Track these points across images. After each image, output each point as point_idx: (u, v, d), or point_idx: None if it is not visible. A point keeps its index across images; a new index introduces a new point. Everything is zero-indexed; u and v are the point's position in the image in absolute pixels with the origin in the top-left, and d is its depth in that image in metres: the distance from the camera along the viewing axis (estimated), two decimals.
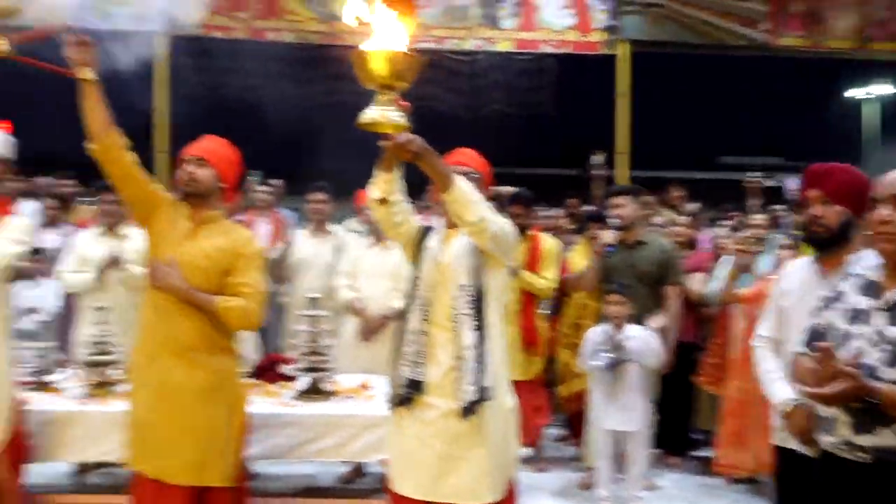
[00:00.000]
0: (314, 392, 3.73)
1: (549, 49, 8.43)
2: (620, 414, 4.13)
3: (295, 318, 4.44)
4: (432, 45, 8.43)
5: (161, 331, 2.87)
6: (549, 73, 8.69)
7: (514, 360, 4.66)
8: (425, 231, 2.72)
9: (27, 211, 6.19)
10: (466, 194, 2.43)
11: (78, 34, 2.74)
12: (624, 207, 4.54)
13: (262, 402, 3.65)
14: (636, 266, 4.50)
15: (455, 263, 2.59)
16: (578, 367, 4.38)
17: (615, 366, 4.03)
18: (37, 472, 3.49)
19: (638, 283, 4.41)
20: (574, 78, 9.00)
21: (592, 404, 4.29)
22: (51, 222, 5.82)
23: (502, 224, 2.57)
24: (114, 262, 4.37)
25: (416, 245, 2.69)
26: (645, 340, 4.14)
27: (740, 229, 5.15)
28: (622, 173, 8.61)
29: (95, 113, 2.82)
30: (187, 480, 2.84)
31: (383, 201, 2.57)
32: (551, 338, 4.96)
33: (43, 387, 3.72)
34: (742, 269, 4.43)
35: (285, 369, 3.91)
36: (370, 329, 4.40)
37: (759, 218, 5.05)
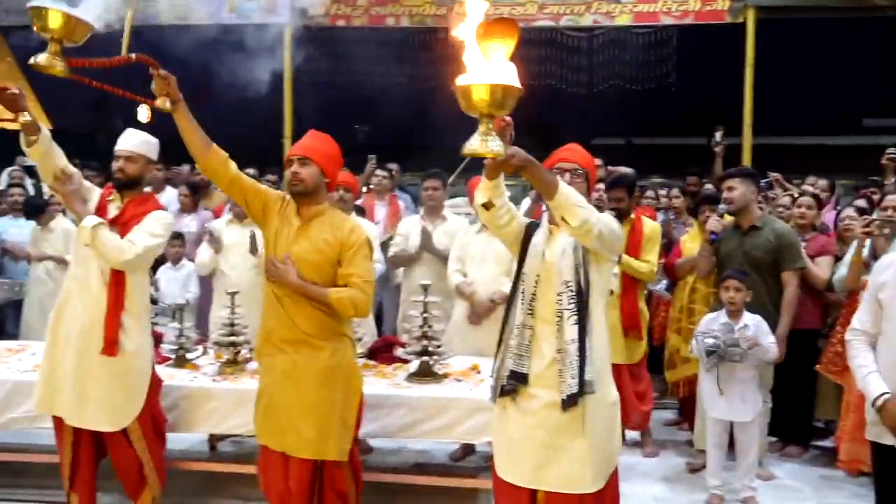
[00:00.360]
0: (425, 374, 3.90)
1: (670, 20, 8.17)
2: (731, 403, 4.04)
3: (408, 303, 4.61)
4: (549, 23, 8.38)
5: (282, 320, 3.09)
6: (669, 45, 8.44)
7: (616, 344, 4.68)
8: (531, 227, 2.79)
9: (167, 199, 6.75)
10: (570, 199, 2.49)
11: (159, 68, 2.93)
12: (734, 191, 4.38)
13: (376, 382, 3.86)
14: (749, 253, 4.36)
15: (559, 260, 2.64)
16: (688, 353, 4.32)
17: (726, 355, 3.93)
18: (175, 442, 3.84)
19: (752, 270, 4.26)
20: (697, 49, 8.69)
21: (702, 392, 4.23)
22: (186, 209, 6.30)
23: (607, 222, 2.61)
24: (252, 248, 4.66)
25: (522, 241, 2.77)
26: (759, 330, 4.01)
27: (870, 210, 4.85)
28: (748, 144, 8.27)
29: (190, 136, 3.09)
30: (308, 454, 3.07)
31: (488, 206, 2.67)
32: (659, 322, 4.90)
33: (182, 364, 4.09)
34: (873, 255, 4.19)
35: (399, 352, 4.10)
36: (479, 313, 4.51)
37: (893, 199, 4.72)
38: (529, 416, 2.66)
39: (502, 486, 2.77)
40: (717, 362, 3.96)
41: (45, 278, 5.88)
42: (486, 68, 2.15)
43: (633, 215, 4.74)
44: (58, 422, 3.54)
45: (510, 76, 2.17)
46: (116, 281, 3.38)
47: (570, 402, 2.57)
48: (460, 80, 2.17)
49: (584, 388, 2.56)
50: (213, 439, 4.66)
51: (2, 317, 6.21)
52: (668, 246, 5.36)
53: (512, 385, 2.67)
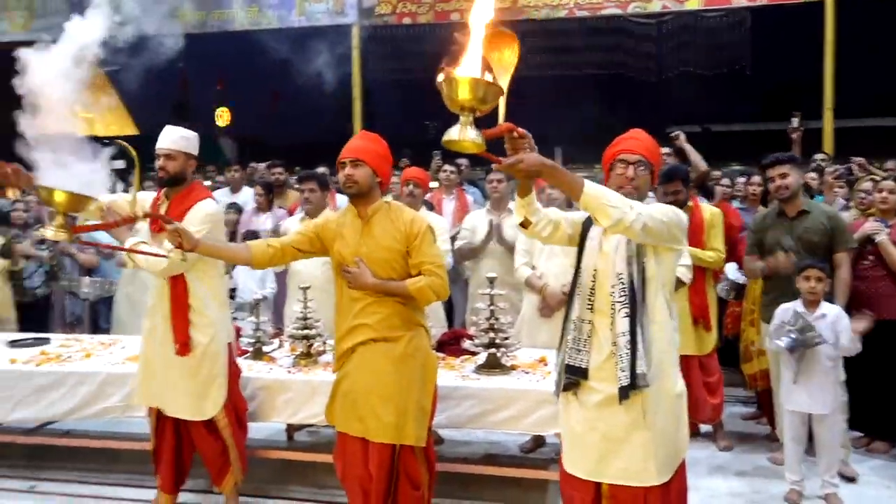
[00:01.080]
0: (493, 366, 3.94)
1: (743, 2, 7.94)
2: (809, 396, 3.92)
3: (476, 296, 4.65)
4: (616, 11, 8.27)
5: (359, 318, 3.17)
6: (743, 28, 8.19)
7: (685, 335, 4.60)
8: (589, 220, 2.74)
9: (244, 198, 6.99)
10: (598, 200, 2.39)
11: (171, 223, 3.05)
12: (788, 177, 4.25)
13: (445, 374, 3.91)
14: (803, 237, 4.22)
15: (613, 253, 2.61)
16: (762, 345, 4.21)
17: (801, 348, 3.82)
18: (254, 431, 4.00)
19: (806, 255, 4.13)
20: (772, 30, 8.41)
21: (779, 384, 4.12)
22: (261, 208, 6.50)
23: (654, 213, 2.50)
24: None
25: (581, 235, 2.74)
26: (838, 321, 3.87)
27: None
28: (829, 128, 7.97)
29: (227, 257, 3.41)
30: (388, 439, 3.15)
31: (525, 224, 2.67)
32: (732, 313, 4.79)
33: (259, 356, 4.25)
34: None
35: (466, 344, 4.15)
36: (549, 305, 4.50)
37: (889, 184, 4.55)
38: (590, 410, 2.65)
39: (568, 478, 2.78)
40: (800, 355, 3.84)
41: (134, 275, 6.17)
42: (469, 64, 2.16)
43: (690, 204, 4.65)
44: (151, 411, 3.77)
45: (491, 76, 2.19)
46: (173, 285, 3.54)
47: (622, 395, 2.55)
48: (442, 76, 2.18)
49: (635, 381, 2.53)
50: (291, 429, 4.82)
51: (95, 313, 6.56)
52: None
53: (570, 380, 2.67)
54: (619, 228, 2.44)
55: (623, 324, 2.55)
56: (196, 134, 3.67)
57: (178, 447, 3.79)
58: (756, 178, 6.03)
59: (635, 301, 2.56)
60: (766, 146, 7.96)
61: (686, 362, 4.64)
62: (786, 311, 4.01)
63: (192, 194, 3.61)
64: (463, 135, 2.18)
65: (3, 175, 3.19)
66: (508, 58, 2.37)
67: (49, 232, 2.94)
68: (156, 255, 3.26)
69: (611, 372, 2.58)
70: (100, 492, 4.23)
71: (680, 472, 2.73)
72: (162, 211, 3.55)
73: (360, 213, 3.22)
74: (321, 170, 6.15)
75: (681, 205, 4.59)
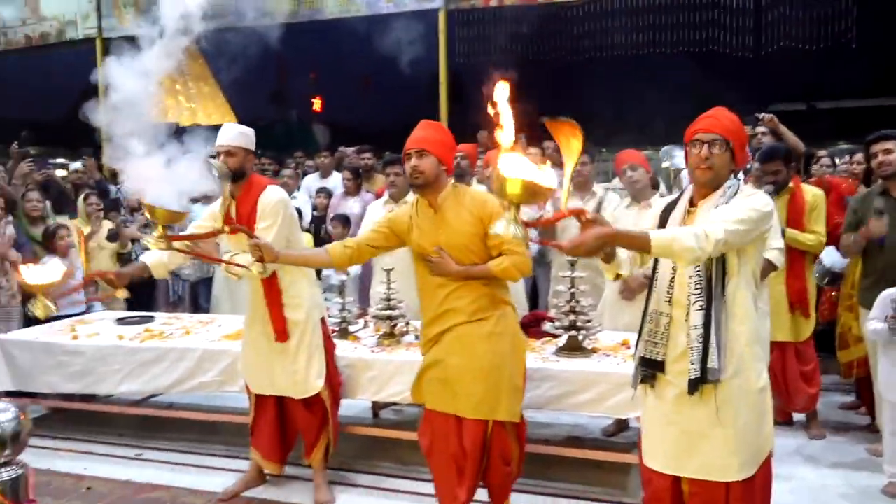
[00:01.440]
0: (573, 349, 3.92)
1: None
2: None
3: (558, 278, 4.64)
4: None
5: (446, 304, 3.22)
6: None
7: (781, 321, 4.45)
8: (668, 209, 2.69)
9: (334, 182, 7.18)
10: (668, 248, 2.33)
11: (253, 237, 3.21)
12: (891, 153, 4.01)
13: (527, 356, 3.94)
14: None
15: None
16: (860, 332, 4.02)
17: None
18: (342, 408, 4.14)
19: None
20: (880, 1, 7.90)
21: (878, 373, 3.92)
22: (349, 192, 6.67)
23: (731, 226, 2.38)
24: None
25: (659, 227, 2.66)
26: None
27: None
28: None
29: (310, 263, 3.62)
30: (482, 415, 3.19)
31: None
32: (828, 298, 4.58)
33: (345, 335, 4.39)
34: None
35: (547, 326, 4.15)
36: (630, 288, 4.44)
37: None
38: (667, 404, 2.60)
39: (648, 472, 2.75)
40: None
41: None
42: (522, 163, 2.20)
43: (791, 185, 4.47)
44: (248, 388, 3.99)
45: (544, 175, 2.22)
46: (267, 284, 3.67)
47: (691, 388, 2.50)
48: (500, 170, 2.24)
49: (706, 374, 2.46)
50: (376, 407, 4.96)
51: (195, 293, 6.93)
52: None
53: (647, 372, 2.63)
54: (700, 259, 2.37)
55: (697, 317, 2.48)
56: (253, 130, 3.79)
57: (280, 421, 3.97)
58: (858, 156, 5.73)
59: (711, 294, 2.48)
60: (876, 123, 7.52)
61: (782, 349, 4.52)
62: (886, 296, 3.81)
63: (253, 187, 3.70)
64: (506, 231, 2.26)
65: (109, 282, 3.60)
66: (575, 146, 2.43)
67: (151, 241, 3.29)
68: (243, 266, 3.44)
69: (687, 366, 2.52)
70: (199, 461, 4.49)
71: (765, 466, 2.65)
72: (232, 211, 3.68)
73: (430, 203, 3.26)
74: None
75: (782, 185, 4.44)
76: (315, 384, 3.80)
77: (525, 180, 2.19)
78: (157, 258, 3.73)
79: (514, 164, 2.20)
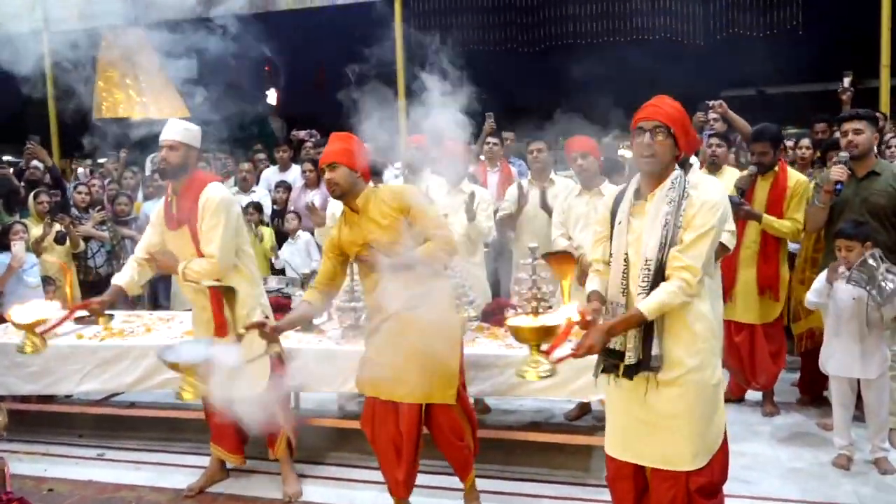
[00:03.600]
0: None
1: None
2: (854, 359, 3.87)
3: (518, 266, 4.70)
4: None
5: (383, 297, 3.27)
6: None
7: (749, 303, 4.57)
8: (617, 200, 2.72)
9: (293, 176, 7.14)
10: (661, 309, 2.49)
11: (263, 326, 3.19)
12: (860, 134, 4.13)
13: (488, 343, 4.00)
14: (868, 199, 4.11)
15: (646, 237, 2.56)
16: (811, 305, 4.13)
17: (875, 289, 3.68)
18: (306, 400, 4.16)
19: (870, 217, 4.04)
20: None
21: (825, 348, 4.06)
22: (309, 184, 6.65)
23: (703, 246, 2.50)
24: None
25: (610, 217, 2.71)
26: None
27: None
28: (886, 86, 7.69)
29: (306, 319, 3.70)
30: (414, 399, 3.33)
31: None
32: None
33: (309, 328, 4.38)
34: None
35: (510, 314, 4.20)
36: (586, 274, 4.50)
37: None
38: (627, 393, 2.66)
39: (610, 461, 2.82)
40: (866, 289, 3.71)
41: None
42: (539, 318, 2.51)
43: (776, 168, 4.57)
44: None
45: (557, 315, 2.47)
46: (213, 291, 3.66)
47: (628, 374, 2.58)
48: (511, 322, 2.57)
49: (649, 361, 2.55)
50: (342, 400, 4.97)
51: (154, 290, 6.84)
52: None
53: (608, 363, 2.66)
54: (694, 292, 2.51)
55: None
56: (199, 127, 3.77)
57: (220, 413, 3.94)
58: (804, 142, 5.90)
59: (658, 283, 2.52)
60: (823, 107, 7.74)
61: (750, 330, 4.63)
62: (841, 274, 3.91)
63: (195, 184, 3.66)
64: (535, 374, 2.50)
65: (93, 311, 3.64)
66: (567, 272, 2.82)
67: (27, 347, 3.34)
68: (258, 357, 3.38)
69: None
70: (162, 459, 4.47)
71: (719, 455, 2.72)
72: (173, 209, 3.68)
73: (353, 208, 3.35)
74: None
75: (768, 167, 4.52)
76: (257, 383, 3.78)
77: (532, 327, 2.49)
78: (128, 279, 3.73)
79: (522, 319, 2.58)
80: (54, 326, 3.40)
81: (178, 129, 3.68)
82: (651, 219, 2.56)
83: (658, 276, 2.52)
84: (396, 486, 3.46)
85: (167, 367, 3.12)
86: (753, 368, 4.70)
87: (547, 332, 2.49)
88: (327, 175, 3.31)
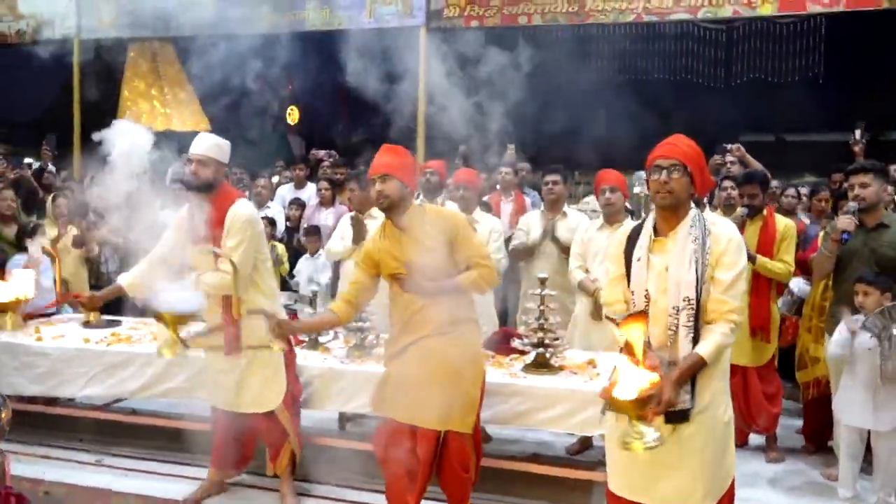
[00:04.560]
0: (541, 365, 3.97)
1: (818, 8, 7.73)
2: (869, 410, 3.83)
3: (527, 296, 4.70)
4: (686, 16, 8.17)
5: (414, 317, 3.29)
6: (817, 34, 7.98)
7: (741, 345, 4.55)
8: (633, 235, 2.75)
9: (308, 193, 7.18)
10: (718, 353, 2.55)
11: (273, 318, 3.26)
12: (867, 188, 4.14)
13: (493, 372, 3.97)
14: (877, 251, 4.09)
15: (676, 275, 2.58)
16: (818, 353, 4.12)
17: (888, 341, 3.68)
18: (305, 418, 4.14)
19: (879, 269, 4.02)
20: (849, 37, 8.16)
21: (837, 397, 4.03)
22: (324, 202, 6.69)
23: (740, 287, 2.60)
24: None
25: (625, 257, 2.73)
26: None
27: None
28: None
29: (327, 326, 3.78)
30: (434, 425, 3.27)
31: None
32: (790, 323, 4.70)
33: (315, 346, 4.39)
34: None
35: (516, 343, 4.20)
36: (600, 308, 4.51)
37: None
38: None
39: (614, 499, 2.80)
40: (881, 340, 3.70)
41: None
42: (630, 377, 2.36)
43: (765, 212, 4.60)
44: None
45: (638, 378, 2.37)
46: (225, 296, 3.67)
47: (680, 418, 2.56)
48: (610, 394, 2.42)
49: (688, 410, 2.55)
50: (343, 418, 4.95)
51: None
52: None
53: None
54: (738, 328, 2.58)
55: (687, 347, 2.54)
56: (228, 143, 3.79)
57: (229, 430, 3.95)
58: (824, 194, 5.92)
59: (700, 325, 2.55)
60: (841, 157, 7.74)
61: (743, 373, 4.61)
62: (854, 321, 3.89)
63: (223, 199, 3.70)
64: (644, 445, 2.38)
65: (82, 304, 3.79)
66: (641, 330, 2.56)
67: (166, 350, 3.44)
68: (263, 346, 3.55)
69: None
70: (160, 468, 4.45)
71: (728, 493, 2.72)
72: (197, 221, 3.69)
73: (397, 224, 3.33)
74: None
75: (757, 210, 4.56)
76: (271, 401, 3.80)
77: (633, 400, 2.36)
78: (133, 279, 3.73)
79: (623, 387, 2.38)
80: (42, 315, 3.40)
81: (210, 145, 3.71)
82: (677, 256, 2.58)
83: (698, 310, 2.55)
84: None
85: (155, 320, 3.31)
86: (749, 411, 4.68)
87: (644, 403, 2.39)
88: (378, 186, 3.28)
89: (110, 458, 4.59)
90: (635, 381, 2.37)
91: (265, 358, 3.74)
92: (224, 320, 3.69)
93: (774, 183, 6.88)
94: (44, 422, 4.92)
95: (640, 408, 2.37)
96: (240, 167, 7.67)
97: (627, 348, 2.41)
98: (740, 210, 4.61)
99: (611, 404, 2.41)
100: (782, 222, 4.65)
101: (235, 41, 5.32)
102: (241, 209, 3.69)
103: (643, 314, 2.51)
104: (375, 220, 4.96)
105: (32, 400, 4.80)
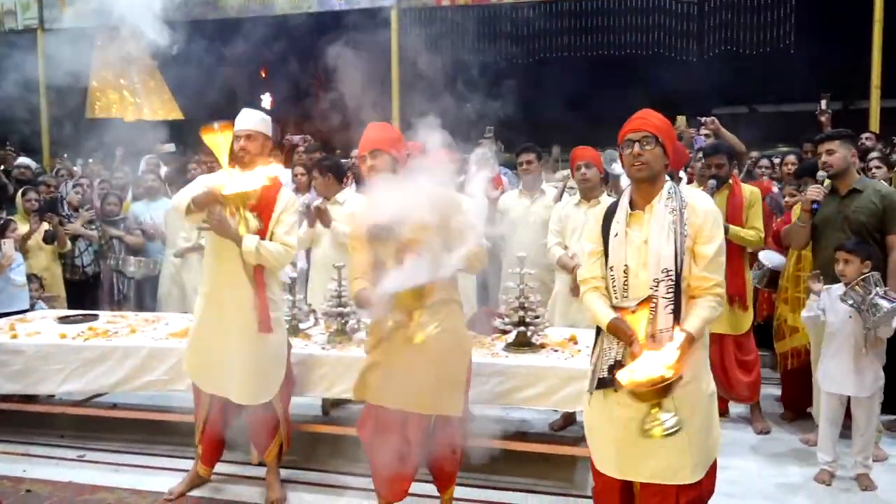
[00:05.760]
0: (522, 344, 3.99)
1: None
2: (851, 378, 3.88)
3: (507, 275, 4.70)
4: None
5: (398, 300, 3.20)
6: (787, 5, 8.02)
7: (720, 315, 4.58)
8: (609, 211, 2.74)
9: (285, 179, 7.11)
10: (703, 326, 2.58)
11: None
12: (834, 154, 4.18)
13: (475, 352, 3.95)
14: (850, 217, 4.14)
15: (656, 248, 2.58)
16: (796, 322, 4.17)
17: (869, 311, 3.70)
18: (292, 406, 4.11)
19: (853, 234, 4.06)
20: (818, 7, 8.20)
21: (818, 365, 4.08)
22: (299, 188, 6.63)
23: (721, 260, 2.63)
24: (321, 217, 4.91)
25: (602, 233, 2.72)
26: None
27: None
28: (876, 107, 7.78)
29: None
30: (425, 409, 3.23)
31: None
32: (767, 297, 4.75)
33: (295, 333, 4.36)
34: None
35: (497, 322, 4.20)
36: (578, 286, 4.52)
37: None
38: (625, 409, 2.59)
39: (600, 478, 2.80)
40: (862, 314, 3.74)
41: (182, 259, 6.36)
42: (648, 364, 2.39)
43: (730, 182, 4.65)
44: (196, 387, 3.91)
45: (651, 366, 2.40)
46: (258, 269, 3.65)
47: (668, 390, 2.52)
48: (630, 384, 2.41)
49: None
50: (327, 405, 4.94)
51: (140, 291, 6.79)
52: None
53: (608, 377, 2.62)
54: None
55: (667, 320, 2.53)
56: (269, 116, 3.81)
57: (224, 423, 3.92)
58: (790, 158, 5.97)
59: (680, 297, 2.55)
60: (813, 127, 7.80)
61: (720, 341, 4.65)
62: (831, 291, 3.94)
63: (274, 181, 3.68)
64: (662, 432, 2.39)
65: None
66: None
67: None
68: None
69: None
70: (143, 461, 4.42)
71: (712, 469, 2.74)
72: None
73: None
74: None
75: (723, 180, 4.60)
76: (272, 390, 3.77)
77: (652, 389, 2.37)
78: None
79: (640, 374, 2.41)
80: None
81: (256, 119, 3.73)
82: (657, 228, 2.58)
83: (678, 283, 2.55)
84: (394, 492, 3.35)
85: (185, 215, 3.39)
86: (727, 380, 4.72)
87: (665, 391, 2.38)
88: (369, 162, 3.25)
89: (93, 453, 4.55)
90: (652, 368, 2.39)
91: (276, 341, 3.73)
92: (258, 297, 3.64)
93: (754, 154, 6.97)
94: (24, 419, 4.87)
95: (659, 395, 2.38)
96: (212, 154, 7.57)
97: (617, 331, 2.52)
98: (710, 182, 4.63)
99: (631, 394, 2.40)
100: (748, 189, 4.70)
101: (203, 27, 5.24)
102: (290, 195, 3.79)
103: (649, 300, 2.51)
104: (341, 205, 4.94)
105: (9, 398, 4.75)
